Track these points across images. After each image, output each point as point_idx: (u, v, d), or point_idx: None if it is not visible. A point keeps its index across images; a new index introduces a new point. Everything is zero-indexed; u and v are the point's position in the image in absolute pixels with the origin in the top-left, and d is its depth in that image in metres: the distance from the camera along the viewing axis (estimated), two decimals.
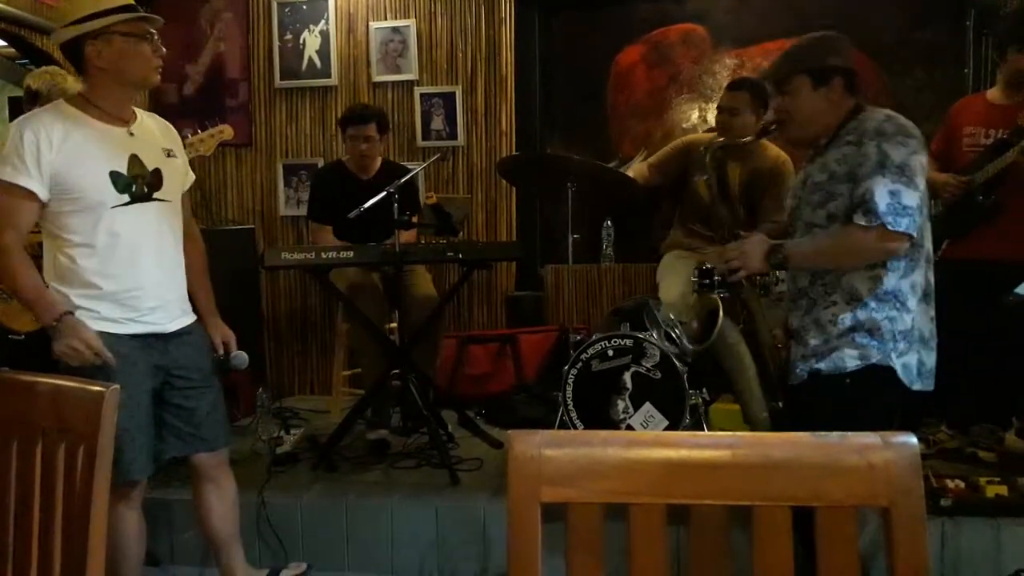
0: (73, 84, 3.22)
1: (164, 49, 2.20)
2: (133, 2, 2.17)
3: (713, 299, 2.35)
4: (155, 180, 2.21)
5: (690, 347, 2.80)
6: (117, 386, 1.28)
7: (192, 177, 2.44)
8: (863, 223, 2.01)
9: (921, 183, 2.02)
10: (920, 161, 2.02)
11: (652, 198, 3.92)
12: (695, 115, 4.60)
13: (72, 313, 2.07)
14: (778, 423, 2.28)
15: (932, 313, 2.15)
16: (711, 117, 4.35)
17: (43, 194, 2.07)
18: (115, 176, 2.12)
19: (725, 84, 3.79)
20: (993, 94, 3.22)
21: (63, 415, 1.29)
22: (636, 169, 3.83)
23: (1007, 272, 3.05)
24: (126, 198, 2.13)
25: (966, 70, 4.22)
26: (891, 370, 2.06)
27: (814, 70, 2.15)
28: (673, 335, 3.14)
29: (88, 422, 1.25)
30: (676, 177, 3.72)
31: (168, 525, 2.93)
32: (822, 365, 2.11)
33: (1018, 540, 2.53)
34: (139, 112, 2.28)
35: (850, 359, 2.08)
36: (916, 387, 2.11)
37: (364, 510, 2.90)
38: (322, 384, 4.67)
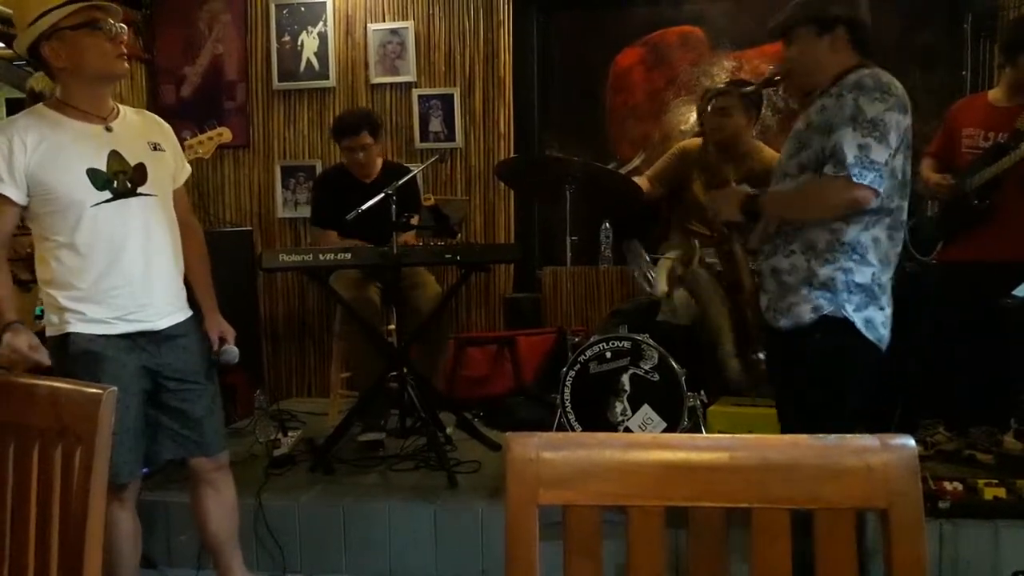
0: None
1: (124, 36, 2.12)
2: None
3: (694, 245, 2.41)
4: (138, 175, 2.17)
5: (664, 288, 2.83)
6: (115, 388, 1.28)
7: (188, 170, 2.41)
8: (831, 172, 2.03)
9: (894, 140, 2.02)
10: (895, 119, 2.03)
11: (651, 202, 3.92)
12: (693, 117, 4.60)
13: (17, 323, 2.07)
14: (773, 378, 2.33)
15: (891, 273, 2.16)
16: None
17: (19, 198, 2.07)
18: (92, 173, 2.09)
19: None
20: (994, 96, 3.23)
21: (60, 417, 1.28)
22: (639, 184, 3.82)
23: (1005, 274, 3.06)
24: (107, 195, 2.11)
25: (964, 72, 4.22)
26: (847, 322, 2.08)
27: (817, 18, 2.15)
28: (649, 276, 3.16)
29: (85, 424, 1.25)
30: (676, 184, 3.74)
31: (164, 527, 2.93)
32: (784, 321, 2.16)
33: (1016, 542, 2.54)
34: (123, 108, 2.24)
35: (805, 312, 2.12)
36: (885, 344, 2.13)
37: (362, 512, 2.90)
38: (320, 386, 4.67)
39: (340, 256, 3.17)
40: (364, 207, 3.15)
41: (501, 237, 4.59)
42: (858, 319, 2.09)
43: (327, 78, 4.65)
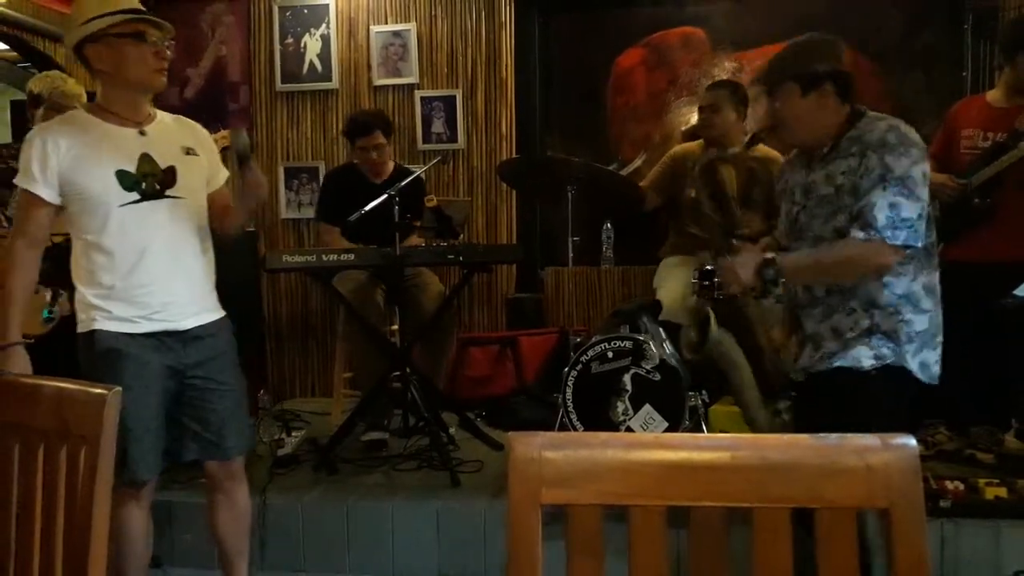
0: (73, 87, 3.23)
1: (169, 52, 2.20)
2: (138, 4, 2.18)
3: (704, 309, 2.36)
4: (168, 178, 2.20)
5: (686, 356, 2.82)
6: (119, 388, 1.28)
7: (225, 173, 2.43)
8: (861, 236, 2.00)
9: (923, 193, 2.01)
10: (922, 170, 2.02)
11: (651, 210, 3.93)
12: (694, 118, 4.60)
13: (15, 344, 2.11)
14: (796, 415, 2.29)
15: (940, 307, 2.17)
16: None
17: (52, 198, 2.12)
18: (121, 175, 2.13)
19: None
20: (993, 96, 3.23)
21: (65, 418, 1.29)
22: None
23: (1006, 273, 3.07)
24: (135, 196, 2.14)
25: (964, 73, 4.23)
26: (905, 370, 2.08)
27: (801, 76, 2.13)
28: (667, 346, 3.15)
29: (90, 425, 1.25)
30: (672, 190, 3.75)
31: (168, 526, 2.93)
32: (838, 361, 2.12)
33: (1017, 542, 2.54)
34: (160, 114, 2.28)
35: (866, 359, 2.08)
36: (935, 382, 2.12)
37: (365, 512, 2.91)
38: (323, 386, 4.67)
39: (343, 257, 3.18)
40: (367, 208, 3.16)
41: (503, 238, 4.60)
42: (914, 365, 2.09)
43: (330, 80, 4.65)
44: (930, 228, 2.12)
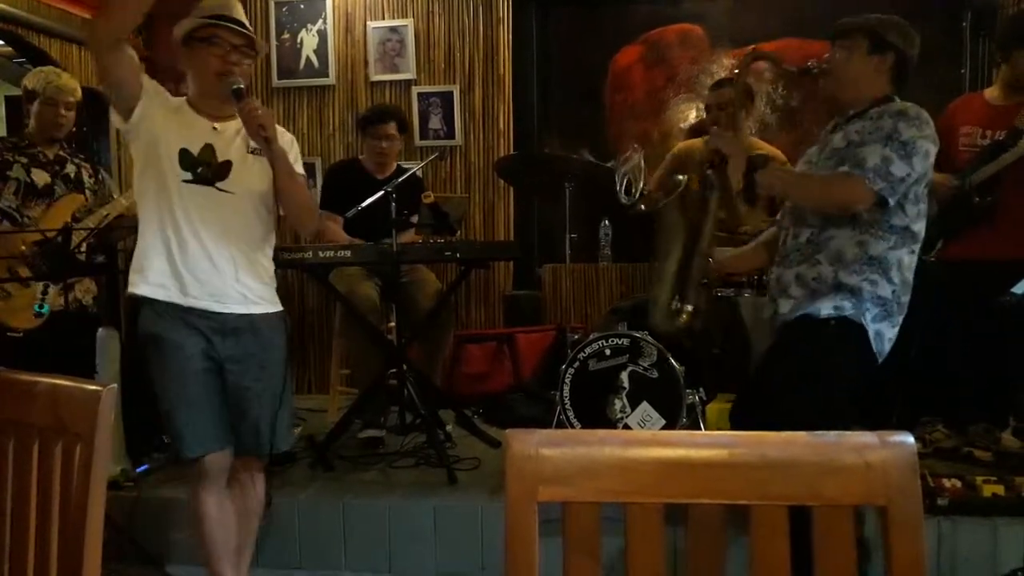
0: (68, 81, 3.22)
1: (235, 57, 2.23)
2: (232, 10, 2.26)
3: (681, 179, 2.45)
4: (221, 170, 2.23)
5: (633, 200, 2.84)
6: (115, 385, 1.27)
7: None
8: (845, 169, 2.15)
9: (918, 164, 2.12)
10: (926, 147, 2.13)
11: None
12: (693, 115, 4.60)
13: None
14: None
15: (908, 297, 2.24)
16: None
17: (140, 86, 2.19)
18: (183, 153, 2.19)
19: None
20: (992, 94, 3.23)
21: (60, 414, 1.28)
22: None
23: (1004, 272, 3.06)
24: (188, 175, 2.19)
25: (962, 70, 4.23)
26: (862, 328, 2.16)
27: (875, 35, 2.23)
28: (632, 188, 3.14)
29: (85, 421, 1.25)
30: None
31: (167, 524, 2.93)
32: (800, 311, 2.23)
33: (1014, 539, 2.54)
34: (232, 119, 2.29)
35: (825, 309, 2.19)
36: (882, 356, 2.21)
37: (362, 509, 2.90)
38: (319, 383, 4.67)
39: (340, 253, 3.17)
40: (363, 204, 3.16)
41: (501, 234, 4.59)
42: (871, 329, 2.17)
43: (326, 76, 4.65)
44: (923, 220, 2.22)
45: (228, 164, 2.24)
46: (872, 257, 2.18)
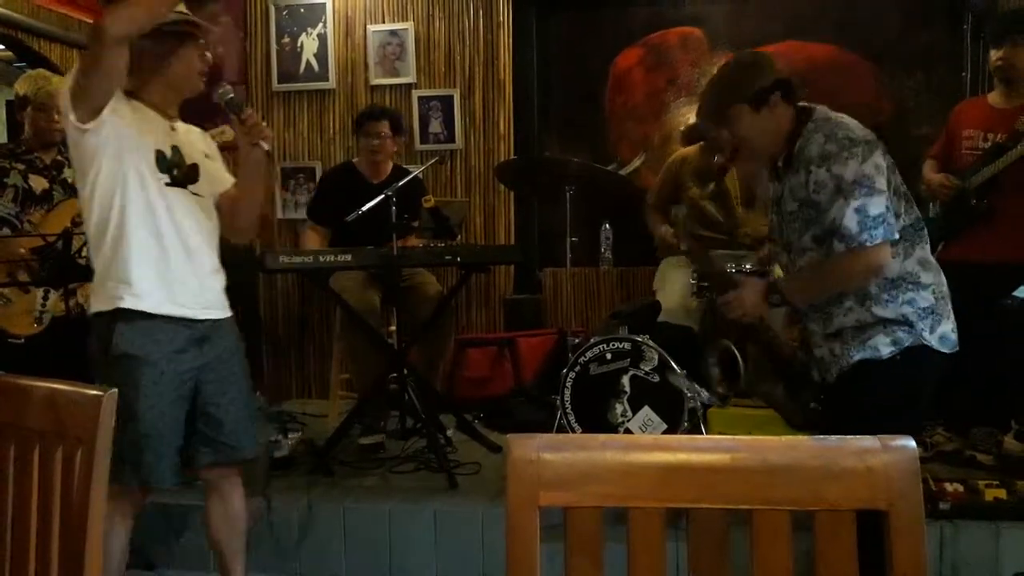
0: (59, 85, 3.22)
1: (210, 56, 2.23)
2: (183, 7, 2.19)
3: (726, 343, 2.41)
4: (192, 173, 2.22)
5: (718, 397, 2.85)
6: (115, 390, 1.27)
7: (231, 180, 2.41)
8: (842, 248, 2.04)
9: (881, 183, 2.02)
10: (874, 164, 2.02)
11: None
12: (693, 118, 4.60)
13: None
14: (823, 418, 2.30)
15: (943, 277, 2.18)
16: None
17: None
18: (159, 155, 2.15)
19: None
20: (994, 97, 3.24)
21: (60, 419, 1.28)
22: (654, 220, 3.80)
23: (1005, 274, 3.07)
24: (167, 178, 2.16)
25: (963, 73, 4.23)
26: (926, 348, 2.09)
27: (750, 97, 2.14)
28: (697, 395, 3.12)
29: (86, 426, 1.24)
30: (675, 197, 3.76)
31: (164, 529, 2.93)
32: (857, 354, 2.12)
33: (1017, 543, 2.53)
34: (178, 120, 2.29)
35: (884, 346, 2.10)
36: (956, 349, 2.14)
37: (362, 514, 2.90)
38: (320, 388, 4.66)
39: (340, 258, 3.17)
40: (365, 208, 3.15)
41: (501, 238, 4.59)
42: (934, 340, 2.10)
43: (327, 79, 4.65)
44: (910, 205, 2.13)
45: (196, 167, 2.23)
46: (894, 280, 2.09)
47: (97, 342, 2.13)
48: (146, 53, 2.13)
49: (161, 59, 2.15)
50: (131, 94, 2.17)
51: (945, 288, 2.16)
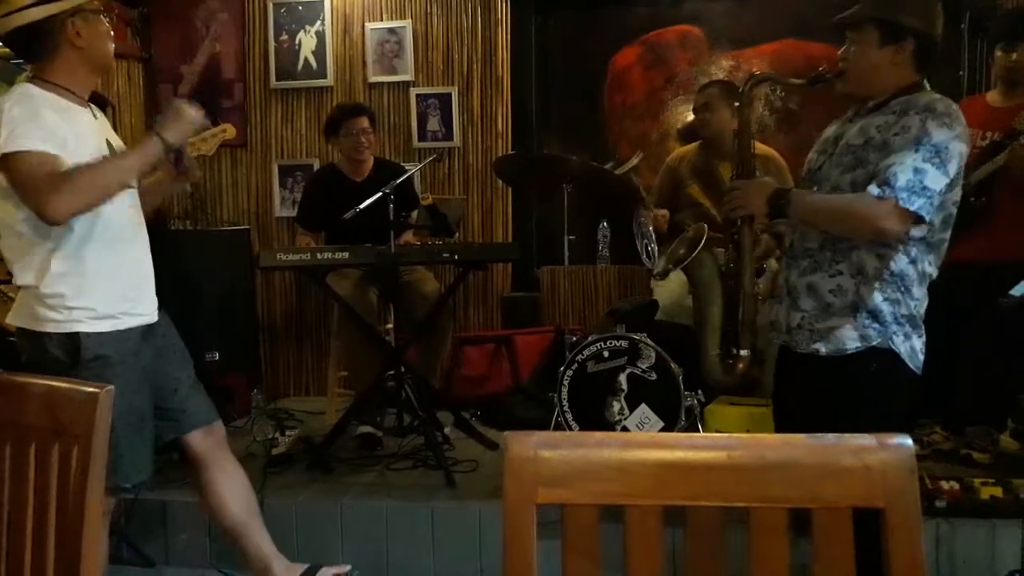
0: None
1: (108, 25, 2.14)
2: None
3: (702, 227, 2.36)
4: None
5: (665, 266, 2.77)
6: (112, 387, 1.27)
7: None
8: (875, 192, 1.89)
9: (953, 170, 1.91)
10: (960, 149, 1.92)
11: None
12: (691, 117, 4.60)
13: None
14: (783, 402, 2.25)
15: (926, 300, 2.08)
16: None
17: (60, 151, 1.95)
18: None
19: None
20: (992, 96, 3.24)
21: (57, 416, 1.28)
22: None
23: (1001, 273, 3.07)
24: None
25: (961, 72, 4.23)
26: (893, 353, 1.99)
27: (886, 23, 2.01)
28: (649, 249, 3.13)
29: (82, 423, 1.24)
30: (674, 195, 3.76)
31: (162, 527, 2.92)
32: (822, 346, 2.04)
33: (1013, 541, 2.54)
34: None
35: (850, 340, 2.01)
36: (919, 371, 2.03)
37: (359, 511, 2.90)
38: (317, 385, 4.66)
39: (338, 255, 3.17)
40: (362, 206, 3.15)
41: (499, 236, 4.59)
42: (904, 349, 2.00)
43: (325, 77, 4.64)
44: (947, 226, 2.02)
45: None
46: (893, 273, 1.98)
47: (57, 348, 2.03)
48: (79, 37, 2.04)
49: (91, 41, 2.06)
50: (47, 83, 2.05)
51: (924, 309, 2.06)
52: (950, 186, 1.93)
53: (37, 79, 2.07)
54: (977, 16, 4.10)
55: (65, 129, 1.98)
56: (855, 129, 2.05)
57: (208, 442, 2.30)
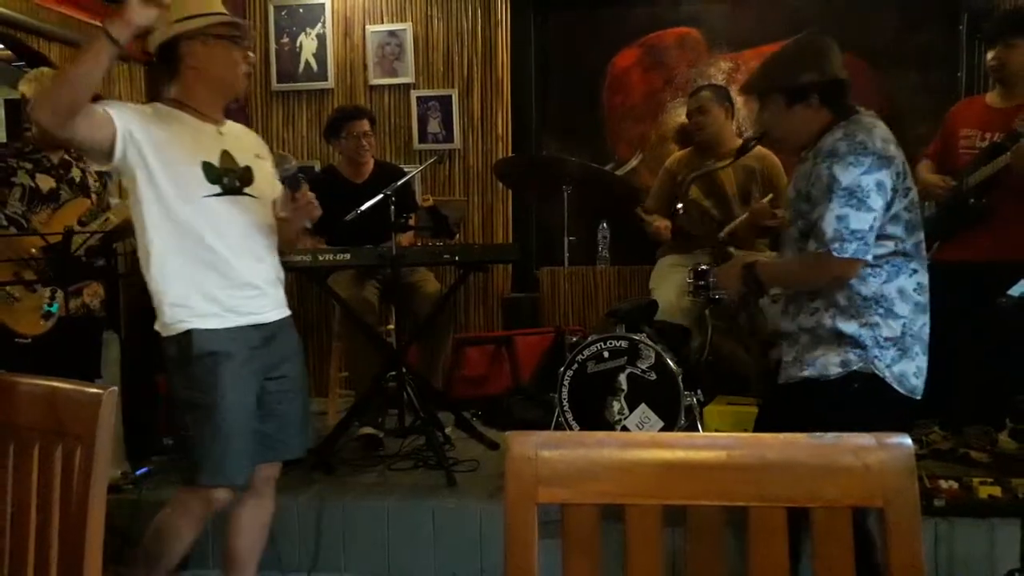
0: None
1: (253, 57, 2.21)
2: (224, 9, 2.18)
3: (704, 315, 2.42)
4: (246, 176, 2.20)
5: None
6: (115, 388, 1.28)
7: (279, 187, 2.37)
8: (813, 247, 2.03)
9: (876, 202, 1.96)
10: (876, 180, 1.96)
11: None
12: (685, 119, 4.61)
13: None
14: (765, 421, 2.29)
15: (926, 319, 2.10)
16: None
17: (120, 126, 1.99)
18: (207, 167, 2.12)
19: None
20: (992, 97, 3.25)
21: (60, 417, 1.29)
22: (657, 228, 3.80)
23: (1000, 273, 3.07)
24: (217, 189, 2.13)
25: (959, 73, 4.24)
26: (876, 378, 2.02)
27: (786, 89, 2.11)
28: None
29: (85, 424, 1.25)
30: (673, 200, 3.77)
31: None
32: (807, 371, 2.10)
33: (1011, 541, 2.54)
34: (227, 120, 2.28)
35: (832, 366, 2.05)
36: (919, 395, 2.05)
37: (361, 511, 2.90)
38: (318, 386, 4.66)
39: (339, 256, 3.17)
40: (363, 208, 3.16)
41: (499, 237, 4.60)
42: (889, 375, 2.02)
43: (325, 79, 4.65)
44: (915, 230, 2.06)
45: (250, 169, 2.21)
46: (866, 298, 2.02)
47: (174, 347, 2.11)
48: (195, 58, 2.12)
49: (207, 63, 2.13)
50: (174, 102, 2.15)
51: (921, 329, 2.07)
52: (887, 207, 1.99)
53: (165, 98, 2.17)
54: (975, 17, 4.11)
55: (150, 123, 2.05)
56: (793, 180, 2.19)
57: (270, 471, 2.31)
